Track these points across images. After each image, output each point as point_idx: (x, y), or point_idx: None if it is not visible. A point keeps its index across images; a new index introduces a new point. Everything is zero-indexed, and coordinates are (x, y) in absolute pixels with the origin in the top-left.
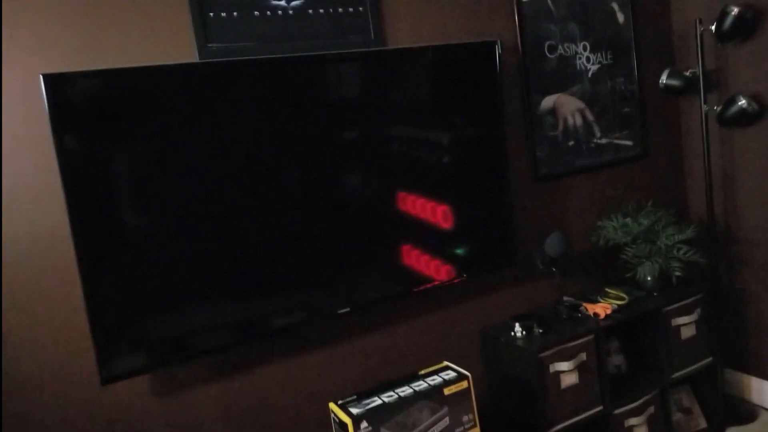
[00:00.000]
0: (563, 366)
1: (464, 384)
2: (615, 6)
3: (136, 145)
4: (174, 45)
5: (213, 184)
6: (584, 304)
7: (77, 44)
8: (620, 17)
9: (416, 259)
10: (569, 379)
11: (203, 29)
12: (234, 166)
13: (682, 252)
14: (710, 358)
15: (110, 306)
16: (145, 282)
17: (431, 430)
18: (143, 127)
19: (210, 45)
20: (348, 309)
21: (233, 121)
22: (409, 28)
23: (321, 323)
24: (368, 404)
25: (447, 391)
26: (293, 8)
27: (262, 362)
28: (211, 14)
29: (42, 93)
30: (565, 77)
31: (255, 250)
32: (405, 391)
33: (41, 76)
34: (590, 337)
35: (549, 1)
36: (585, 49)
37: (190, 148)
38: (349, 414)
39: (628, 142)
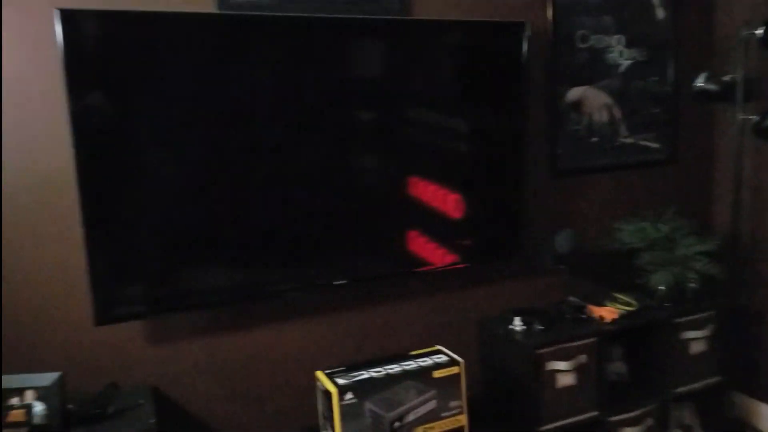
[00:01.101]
0: (561, 365)
1: (455, 369)
2: (654, 1)
3: (147, 91)
4: None
5: (222, 142)
6: (590, 306)
7: None
8: (659, 13)
9: (420, 241)
10: (566, 380)
11: None
12: (244, 127)
13: (700, 264)
14: (718, 378)
15: (110, 249)
16: (146, 231)
17: (416, 410)
18: (156, 75)
19: None
20: (344, 281)
21: (247, 79)
22: (436, 1)
23: (318, 293)
24: (355, 377)
25: (436, 374)
26: None
27: (255, 323)
28: None
29: (57, 29)
30: (595, 70)
31: (261, 213)
32: (394, 368)
33: (57, 11)
34: (592, 339)
35: None
36: (619, 42)
37: (203, 102)
38: (336, 383)
39: (655, 145)
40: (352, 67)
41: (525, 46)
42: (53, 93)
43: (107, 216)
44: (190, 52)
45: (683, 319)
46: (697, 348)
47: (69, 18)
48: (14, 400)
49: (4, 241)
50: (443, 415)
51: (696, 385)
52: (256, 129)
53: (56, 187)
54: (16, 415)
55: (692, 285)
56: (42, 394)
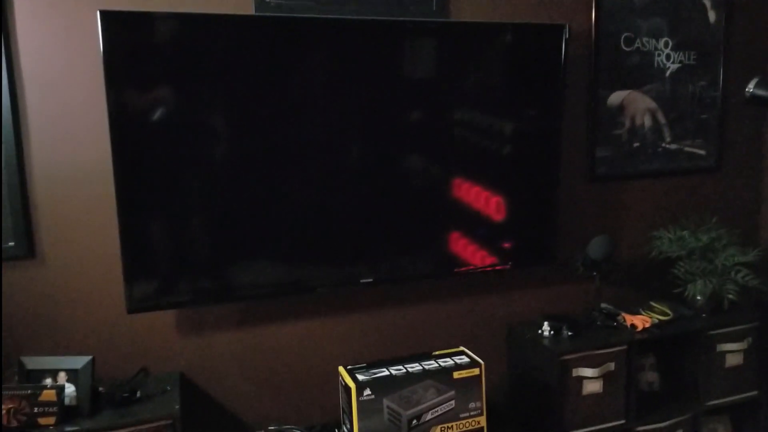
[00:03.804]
0: (587, 372)
1: (476, 371)
2: (707, 3)
3: (184, 90)
4: None
5: (259, 141)
6: (623, 314)
7: None
8: (712, 16)
9: (462, 242)
10: (592, 387)
11: None
12: (282, 127)
13: (740, 275)
14: (755, 392)
15: (144, 240)
16: (180, 224)
17: (435, 410)
18: (193, 75)
19: (267, 0)
20: (371, 280)
21: (285, 80)
22: (473, 3)
23: (356, 291)
24: (375, 374)
25: (456, 375)
26: None
27: (286, 317)
28: None
29: (98, 29)
30: (640, 74)
31: (303, 210)
32: (415, 367)
33: (98, 12)
34: (622, 347)
35: None
36: (666, 45)
37: (242, 101)
38: (355, 380)
39: (701, 152)
40: (394, 68)
41: (563, 49)
42: (95, 90)
43: (142, 208)
44: (229, 53)
45: (720, 331)
46: (733, 361)
47: (110, 19)
48: (47, 381)
49: (46, 227)
50: (462, 416)
51: (731, 399)
52: (295, 126)
53: (98, 179)
54: (47, 395)
55: (730, 296)
56: (73, 376)
